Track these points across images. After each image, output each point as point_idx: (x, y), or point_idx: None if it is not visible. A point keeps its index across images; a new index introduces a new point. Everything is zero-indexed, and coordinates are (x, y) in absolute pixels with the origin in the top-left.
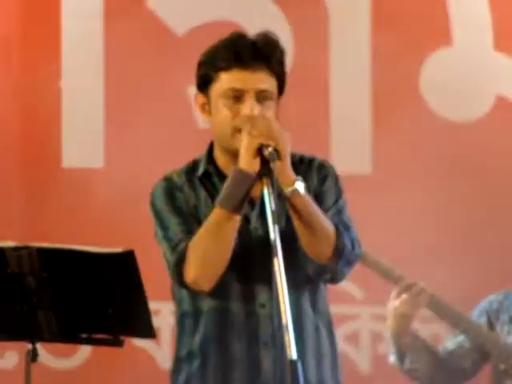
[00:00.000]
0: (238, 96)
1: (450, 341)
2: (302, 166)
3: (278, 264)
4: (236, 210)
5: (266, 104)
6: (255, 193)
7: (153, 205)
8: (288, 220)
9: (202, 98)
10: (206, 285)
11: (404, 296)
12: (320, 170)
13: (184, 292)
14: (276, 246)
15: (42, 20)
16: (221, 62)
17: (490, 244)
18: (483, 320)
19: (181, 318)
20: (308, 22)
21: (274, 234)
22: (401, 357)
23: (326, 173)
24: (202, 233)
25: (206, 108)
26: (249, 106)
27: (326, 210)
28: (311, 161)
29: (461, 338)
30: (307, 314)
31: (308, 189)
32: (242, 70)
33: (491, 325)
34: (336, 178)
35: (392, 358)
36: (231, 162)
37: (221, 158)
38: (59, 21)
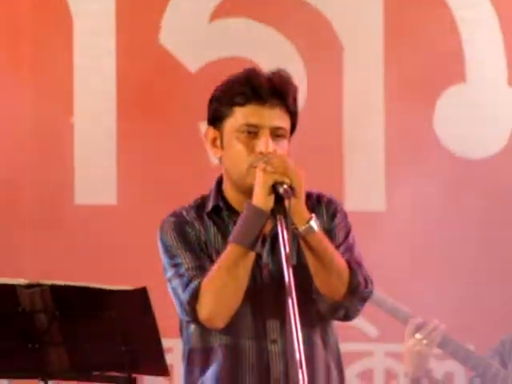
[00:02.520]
0: (252, 132)
1: None
2: (310, 202)
3: (293, 306)
4: (251, 246)
5: (280, 141)
6: (266, 229)
7: (162, 241)
8: (299, 256)
9: (213, 133)
10: (221, 322)
11: (418, 335)
12: (329, 206)
13: (193, 328)
14: (290, 288)
15: (55, 57)
16: (237, 97)
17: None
18: (496, 360)
19: (189, 355)
20: (321, 58)
21: (288, 276)
22: None
23: (335, 209)
24: (216, 270)
25: (217, 143)
26: (264, 142)
27: (336, 247)
28: (319, 197)
29: (476, 381)
30: (318, 351)
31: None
32: (259, 106)
33: (504, 365)
34: (345, 215)
35: None
36: (241, 198)
37: (231, 193)
38: (71, 57)
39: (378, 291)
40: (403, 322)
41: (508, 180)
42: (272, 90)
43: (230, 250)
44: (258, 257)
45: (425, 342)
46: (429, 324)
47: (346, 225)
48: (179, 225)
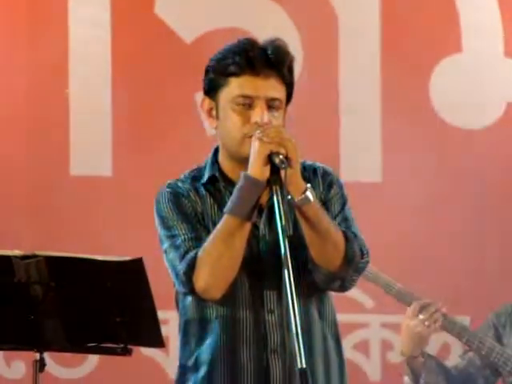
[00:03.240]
0: (248, 102)
1: (460, 358)
2: (306, 173)
3: (289, 277)
4: (247, 217)
5: (276, 113)
6: (263, 199)
7: (158, 212)
8: (296, 227)
9: (209, 103)
10: (217, 293)
11: (421, 316)
12: (325, 178)
13: (189, 300)
14: (286, 260)
15: (49, 27)
16: (231, 67)
17: (492, 245)
18: (491, 333)
19: (185, 326)
20: (317, 29)
21: (284, 247)
22: (415, 377)
23: (331, 180)
24: (212, 241)
25: (213, 113)
26: (259, 113)
27: (332, 218)
28: (314, 168)
29: (471, 354)
30: (315, 322)
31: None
32: (254, 77)
33: (499, 337)
34: (341, 186)
35: (406, 379)
36: (237, 168)
37: (227, 164)
38: (66, 28)
39: (385, 276)
40: (397, 298)
41: (503, 150)
42: (267, 60)
43: (226, 221)
44: (255, 227)
45: (427, 323)
46: (432, 305)
47: (342, 196)
48: (175, 196)
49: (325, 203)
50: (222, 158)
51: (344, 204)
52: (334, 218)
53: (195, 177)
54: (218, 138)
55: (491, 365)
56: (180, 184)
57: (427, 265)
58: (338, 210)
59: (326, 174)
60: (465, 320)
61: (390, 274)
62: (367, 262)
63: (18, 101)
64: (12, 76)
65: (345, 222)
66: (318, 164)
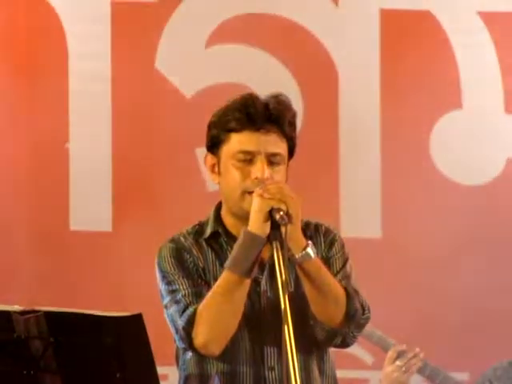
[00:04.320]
0: (248, 158)
1: None
2: (308, 230)
3: (289, 333)
4: (246, 273)
5: (276, 168)
6: (264, 255)
7: (160, 267)
8: (297, 283)
9: (211, 159)
10: (217, 348)
11: (398, 362)
12: (327, 235)
13: (189, 355)
14: (286, 316)
15: (50, 82)
16: (232, 123)
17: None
18: None
19: (185, 382)
20: (318, 85)
21: (283, 303)
22: None
23: (332, 238)
24: (211, 297)
25: (216, 169)
26: (260, 169)
27: (334, 275)
28: (317, 226)
29: None
30: (315, 378)
31: (317, 253)
32: (254, 132)
33: None
34: (342, 244)
35: None
36: (239, 224)
37: (229, 219)
38: (67, 82)
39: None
40: (388, 351)
41: (503, 206)
42: (267, 115)
43: (225, 277)
44: (257, 283)
45: (403, 369)
46: (409, 352)
47: (343, 254)
48: (177, 251)
49: (327, 260)
50: (224, 213)
51: (346, 262)
52: (336, 274)
53: (198, 232)
54: (221, 194)
55: None
56: (182, 239)
57: (430, 322)
58: (340, 267)
59: (328, 232)
60: (464, 375)
61: (389, 330)
62: (368, 317)
63: (18, 155)
64: (13, 129)
65: (346, 279)
66: (322, 223)
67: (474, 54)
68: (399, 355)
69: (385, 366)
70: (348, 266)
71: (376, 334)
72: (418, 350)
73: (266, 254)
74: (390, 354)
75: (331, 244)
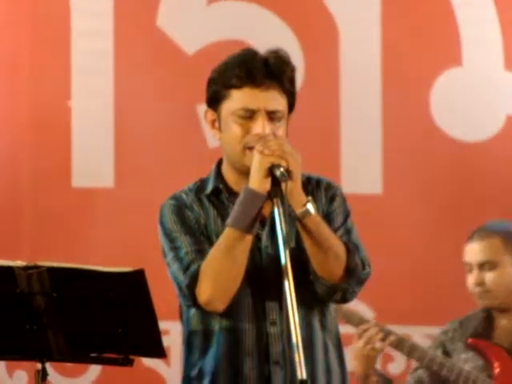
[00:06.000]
0: (249, 115)
1: (410, 376)
2: (310, 186)
3: (290, 288)
4: (248, 229)
5: (277, 123)
6: (265, 211)
7: (162, 224)
8: (298, 239)
9: (212, 115)
10: (221, 305)
11: (361, 340)
12: (328, 190)
13: (193, 311)
14: (287, 271)
15: (52, 39)
16: (232, 79)
17: None
18: (439, 351)
19: (189, 337)
20: (318, 40)
21: (284, 258)
22: None
23: (333, 193)
24: (214, 253)
25: (216, 125)
26: (260, 125)
27: (334, 230)
28: (318, 181)
29: (420, 372)
30: (317, 333)
31: (317, 209)
32: (254, 89)
33: (447, 354)
34: (343, 199)
35: None
36: (240, 180)
37: (230, 176)
38: (69, 39)
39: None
40: (356, 326)
41: (503, 163)
42: (267, 71)
43: (227, 234)
44: (258, 239)
45: (368, 347)
46: (371, 329)
47: (344, 208)
48: (179, 208)
49: (327, 215)
50: (225, 169)
51: (346, 216)
52: (337, 230)
53: (199, 188)
54: (222, 150)
55: (442, 380)
56: (184, 196)
57: (428, 278)
58: (341, 222)
59: (329, 187)
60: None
61: (389, 286)
62: (369, 273)
63: (20, 113)
64: (13, 86)
65: (347, 235)
66: (323, 178)
67: (474, 10)
68: (362, 332)
69: (354, 342)
70: (349, 220)
71: (344, 308)
72: (373, 321)
73: (267, 210)
74: (357, 331)
75: (332, 199)
